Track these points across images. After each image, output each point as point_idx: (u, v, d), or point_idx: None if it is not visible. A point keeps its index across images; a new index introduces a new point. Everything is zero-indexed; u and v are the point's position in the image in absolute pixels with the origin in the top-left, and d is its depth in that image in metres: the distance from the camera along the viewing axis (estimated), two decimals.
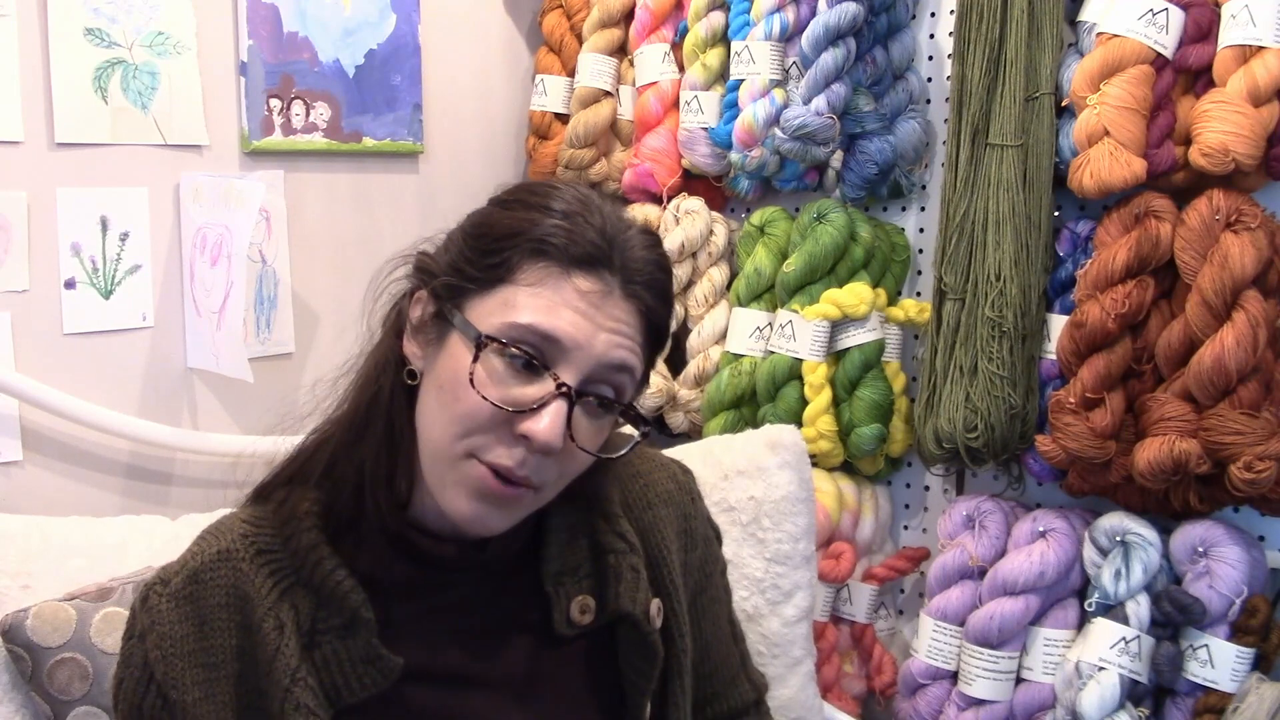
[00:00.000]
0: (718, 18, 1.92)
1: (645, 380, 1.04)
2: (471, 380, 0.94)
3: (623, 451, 1.02)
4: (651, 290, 0.99)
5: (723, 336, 1.92)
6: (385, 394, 1.02)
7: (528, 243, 0.95)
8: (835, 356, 1.80)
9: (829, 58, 1.74)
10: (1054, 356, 1.61)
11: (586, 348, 0.94)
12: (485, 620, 1.05)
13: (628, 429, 1.04)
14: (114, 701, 1.01)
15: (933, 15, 1.84)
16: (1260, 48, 1.46)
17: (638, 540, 1.10)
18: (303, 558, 1.00)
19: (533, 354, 0.94)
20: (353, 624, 0.99)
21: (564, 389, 0.94)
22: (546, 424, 0.93)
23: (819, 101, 1.75)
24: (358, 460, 1.01)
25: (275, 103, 1.83)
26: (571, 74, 2.09)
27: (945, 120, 1.72)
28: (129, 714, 0.99)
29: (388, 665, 0.99)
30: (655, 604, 1.09)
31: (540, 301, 0.94)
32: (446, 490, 0.97)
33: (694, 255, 1.94)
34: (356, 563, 1.01)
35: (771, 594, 1.58)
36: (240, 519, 1.04)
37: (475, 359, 0.94)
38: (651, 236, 1.02)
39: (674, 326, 1.93)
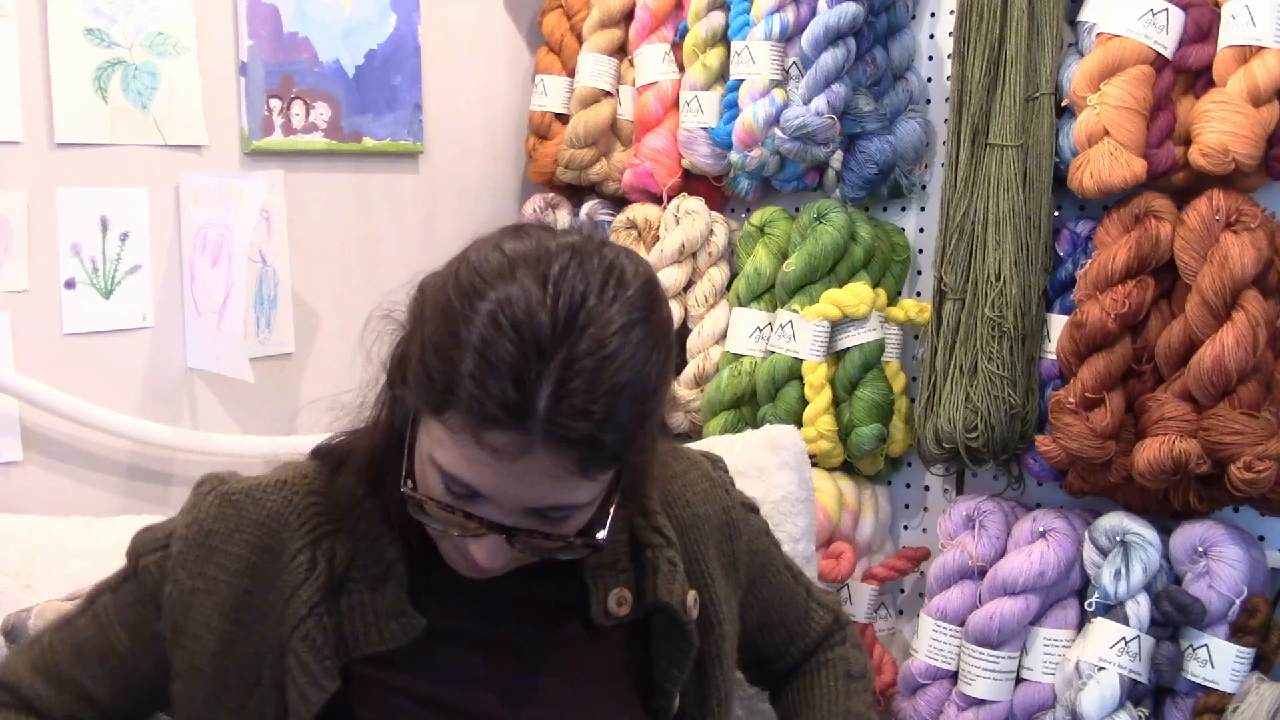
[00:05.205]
0: (718, 18, 1.91)
1: (616, 486, 1.00)
2: (424, 493, 0.94)
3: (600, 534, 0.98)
4: (590, 424, 0.85)
5: (723, 336, 1.92)
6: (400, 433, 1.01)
7: (443, 390, 0.87)
8: (835, 356, 1.80)
9: (829, 58, 1.74)
10: (1054, 356, 1.61)
11: (511, 498, 0.90)
12: (522, 597, 1.06)
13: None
14: (130, 545, 1.08)
15: (933, 15, 1.84)
16: (1260, 48, 1.46)
17: (675, 535, 1.12)
18: (348, 506, 1.03)
19: (463, 493, 0.91)
20: (386, 576, 1.01)
21: (496, 527, 0.92)
22: (483, 555, 0.94)
23: (819, 101, 1.75)
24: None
25: (275, 103, 1.83)
26: (571, 74, 2.09)
27: (945, 120, 1.72)
28: (131, 555, 1.07)
29: (410, 623, 1.01)
30: (692, 595, 1.11)
31: (457, 453, 0.89)
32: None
33: (694, 255, 1.93)
34: (400, 524, 1.02)
35: None
36: (309, 463, 1.08)
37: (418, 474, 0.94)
38: (615, 340, 0.87)
39: (681, 324, 1.94)
